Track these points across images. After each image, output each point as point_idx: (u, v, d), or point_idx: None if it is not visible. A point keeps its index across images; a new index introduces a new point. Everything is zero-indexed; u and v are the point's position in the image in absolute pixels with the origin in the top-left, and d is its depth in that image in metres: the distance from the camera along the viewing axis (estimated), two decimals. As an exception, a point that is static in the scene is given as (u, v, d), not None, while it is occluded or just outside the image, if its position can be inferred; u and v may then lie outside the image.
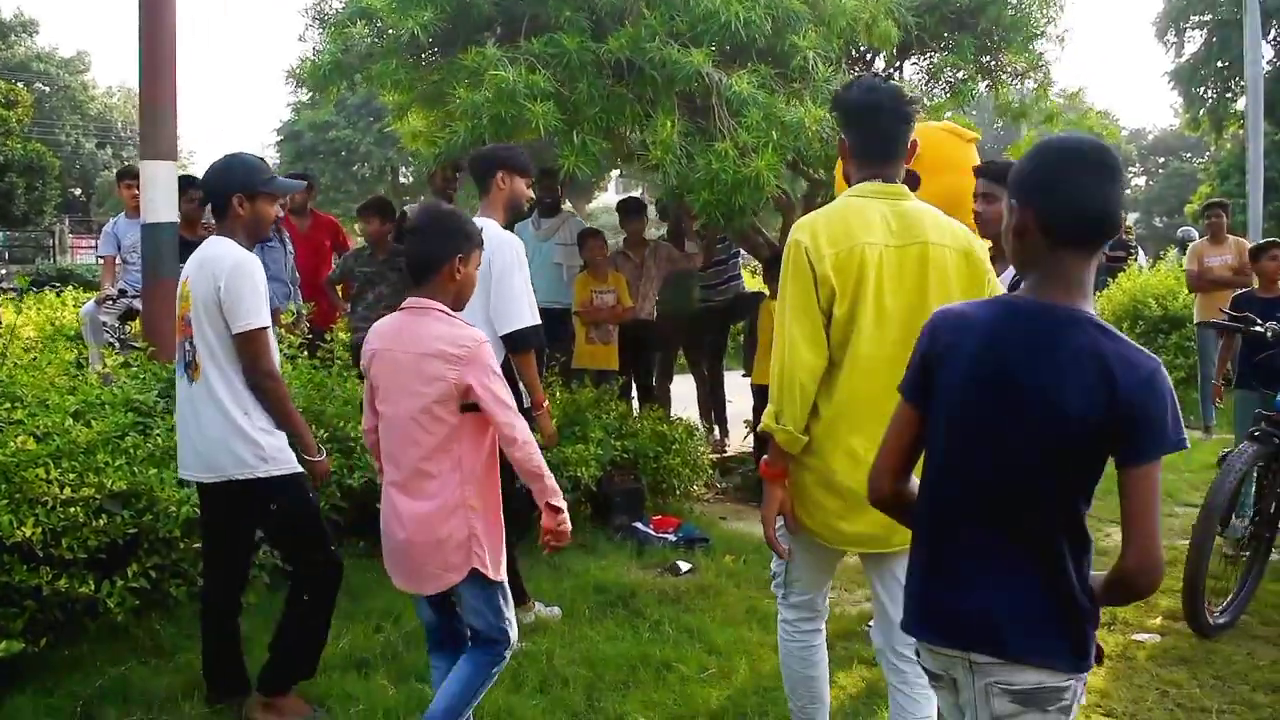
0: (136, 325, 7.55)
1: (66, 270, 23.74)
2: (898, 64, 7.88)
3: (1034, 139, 8.43)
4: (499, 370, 3.29)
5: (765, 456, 3.23)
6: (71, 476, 4.21)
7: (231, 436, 3.75)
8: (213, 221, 3.96)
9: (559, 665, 4.51)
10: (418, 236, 3.38)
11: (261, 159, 4.10)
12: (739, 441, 8.88)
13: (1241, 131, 31.60)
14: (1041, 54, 8.31)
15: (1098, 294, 13.01)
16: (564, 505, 3.32)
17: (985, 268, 3.11)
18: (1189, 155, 55.22)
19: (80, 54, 49.12)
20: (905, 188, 3.14)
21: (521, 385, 4.72)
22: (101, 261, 8.31)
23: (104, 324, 7.50)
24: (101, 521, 4.19)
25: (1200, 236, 10.02)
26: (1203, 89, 33.62)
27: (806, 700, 3.42)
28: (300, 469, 3.88)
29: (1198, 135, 35.27)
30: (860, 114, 3.12)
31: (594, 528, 6.51)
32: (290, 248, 7.84)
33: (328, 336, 6.06)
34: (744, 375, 8.05)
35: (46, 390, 4.89)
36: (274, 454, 3.80)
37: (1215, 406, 8.91)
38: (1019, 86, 8.40)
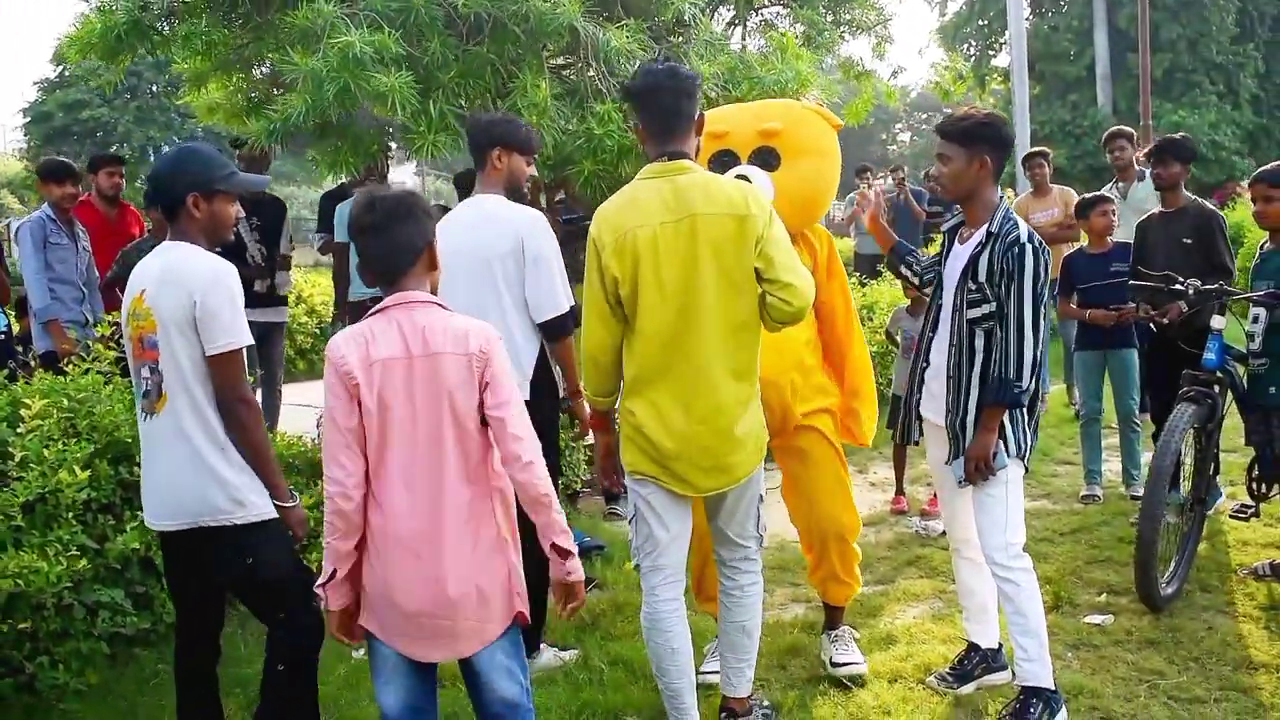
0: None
1: None
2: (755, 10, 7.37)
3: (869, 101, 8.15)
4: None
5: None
6: None
7: (202, 476, 3.16)
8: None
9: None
10: (380, 231, 2.86)
11: (220, 151, 3.46)
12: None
13: (1002, 86, 33.13)
14: (883, 8, 8.05)
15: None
16: (574, 548, 2.85)
17: (758, 229, 3.30)
18: (950, 110, 57.50)
19: None
20: (688, 161, 3.40)
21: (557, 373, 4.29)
22: None
23: None
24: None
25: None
26: (966, 45, 34.92)
27: (676, 675, 3.50)
28: (275, 515, 3.26)
29: (962, 92, 36.70)
30: (643, 96, 3.42)
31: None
32: (85, 244, 6.75)
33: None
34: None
35: None
36: (251, 496, 3.19)
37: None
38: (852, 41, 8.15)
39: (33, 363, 5.90)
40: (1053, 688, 3.77)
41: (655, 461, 3.44)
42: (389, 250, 2.86)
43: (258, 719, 3.42)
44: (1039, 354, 3.72)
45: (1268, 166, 5.10)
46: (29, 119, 34.76)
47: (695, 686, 3.58)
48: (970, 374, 3.78)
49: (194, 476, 3.16)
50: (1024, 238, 3.68)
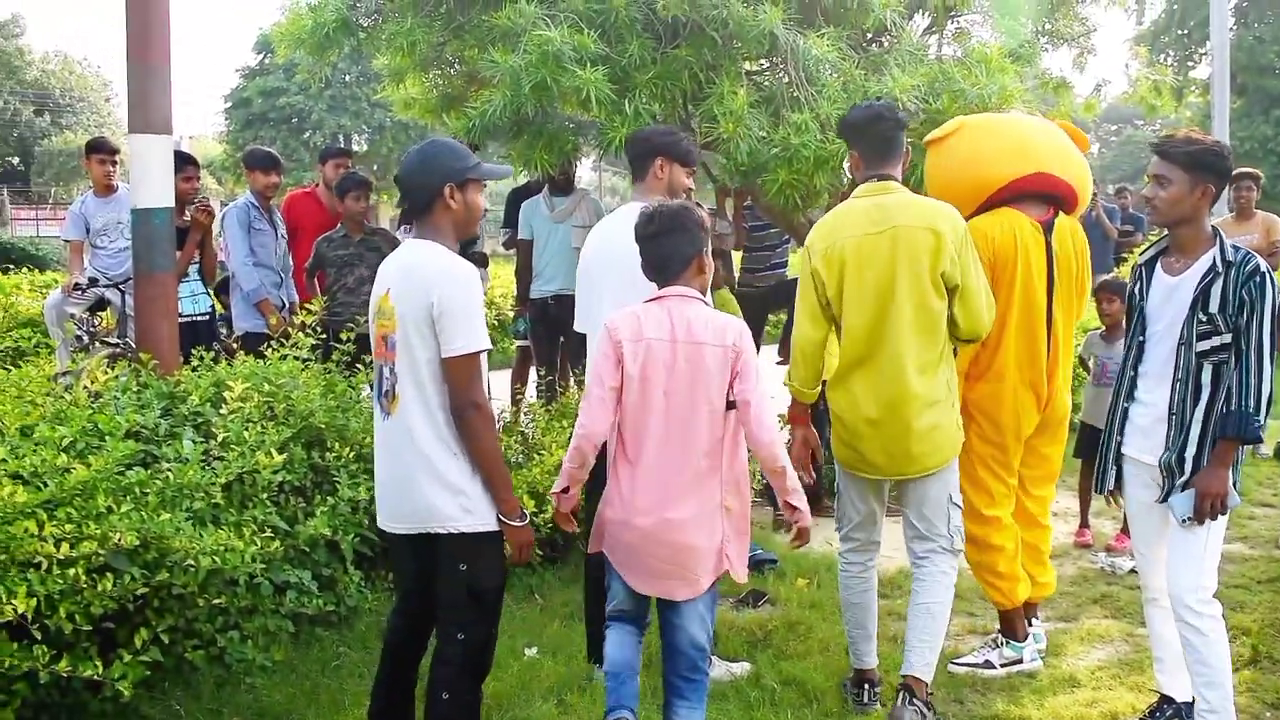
0: (109, 318, 6.77)
1: (8, 244, 22.38)
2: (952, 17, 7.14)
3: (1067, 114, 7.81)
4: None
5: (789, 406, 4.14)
6: (69, 528, 3.41)
7: (431, 482, 3.17)
8: (208, 203, 3.17)
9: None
10: (658, 239, 3.43)
11: (460, 141, 3.51)
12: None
13: (1200, 100, 31.64)
14: (1087, 18, 7.73)
15: (1112, 274, 12.54)
16: (805, 505, 3.34)
17: (949, 240, 3.80)
18: (1142, 123, 55.25)
19: (14, 17, 47.20)
20: (895, 183, 3.95)
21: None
22: (68, 245, 7.48)
23: (71, 316, 6.68)
24: (107, 583, 3.40)
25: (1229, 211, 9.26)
26: (1163, 55, 33.48)
27: (854, 625, 4.14)
28: (497, 528, 3.24)
29: (1159, 104, 35.16)
30: (864, 126, 3.99)
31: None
32: (283, 231, 7.02)
33: (344, 337, 5.25)
34: (779, 362, 7.35)
35: (26, 413, 4.07)
36: (479, 505, 3.20)
37: None
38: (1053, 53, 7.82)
39: (235, 345, 6.15)
40: None
41: (848, 445, 3.98)
42: (666, 255, 3.42)
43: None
44: (1273, 387, 3.55)
45: None
46: (230, 104, 36.49)
47: (872, 638, 4.15)
48: (1195, 409, 3.60)
49: (423, 481, 3.16)
50: (1263, 267, 3.53)
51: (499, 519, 3.21)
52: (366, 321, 5.91)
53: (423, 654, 3.52)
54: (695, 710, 3.36)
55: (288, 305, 6.89)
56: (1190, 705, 3.87)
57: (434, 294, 3.11)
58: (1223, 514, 3.57)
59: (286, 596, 4.15)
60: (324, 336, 5.25)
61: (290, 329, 5.27)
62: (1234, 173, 8.79)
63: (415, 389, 3.18)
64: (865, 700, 4.08)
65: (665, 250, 3.41)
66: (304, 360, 4.93)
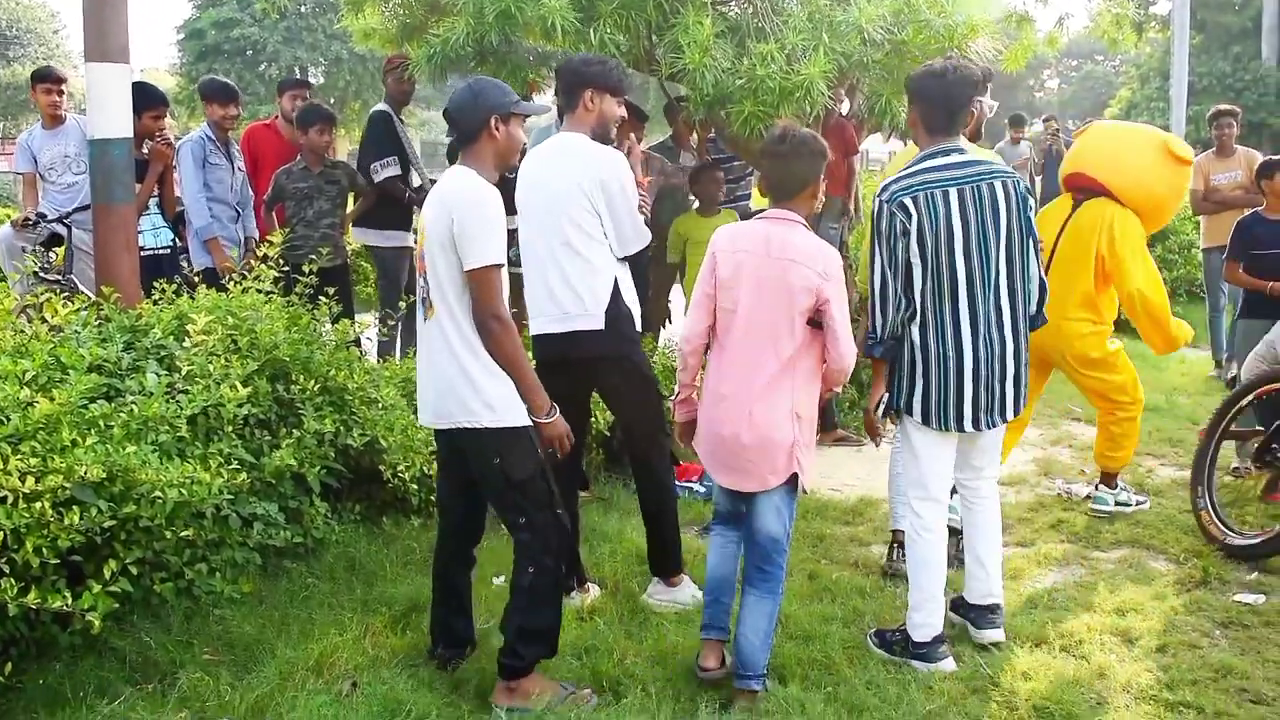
0: (61, 253, 6.65)
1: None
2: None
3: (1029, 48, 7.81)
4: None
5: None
6: (34, 463, 3.39)
7: (459, 381, 3.52)
8: (168, 136, 3.54)
9: (634, 668, 3.83)
10: (786, 158, 3.69)
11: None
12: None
13: (1160, 35, 31.67)
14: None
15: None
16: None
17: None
18: (1102, 58, 55.29)
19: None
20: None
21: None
22: (19, 179, 7.32)
23: (24, 249, 6.56)
24: (74, 516, 3.39)
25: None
26: (1124, -10, 33.45)
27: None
28: (529, 423, 3.57)
29: (1120, 38, 35.11)
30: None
31: (609, 478, 5.82)
32: (240, 164, 6.92)
33: (305, 270, 5.20)
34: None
35: (-14, 348, 4.01)
36: (501, 403, 3.52)
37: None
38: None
39: (196, 279, 6.09)
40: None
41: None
42: (785, 175, 3.70)
43: (507, 618, 3.64)
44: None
45: None
46: (183, 35, 35.67)
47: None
48: None
49: (454, 381, 3.51)
50: None
51: (530, 417, 3.53)
52: (327, 254, 5.92)
53: (471, 565, 3.90)
54: (764, 600, 3.66)
55: (244, 240, 6.81)
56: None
57: (454, 213, 3.43)
58: None
59: (253, 529, 4.14)
60: (286, 269, 5.21)
61: (247, 266, 5.21)
62: (1213, 110, 8.87)
63: (441, 299, 3.53)
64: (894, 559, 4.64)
65: (785, 172, 3.71)
66: (266, 293, 4.89)
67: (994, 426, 3.99)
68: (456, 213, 3.44)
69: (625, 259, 4.31)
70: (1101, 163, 5.39)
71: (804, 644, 4.01)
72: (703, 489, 5.66)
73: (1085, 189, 5.37)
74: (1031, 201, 3.96)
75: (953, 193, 3.81)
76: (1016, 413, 4.01)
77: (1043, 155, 13.57)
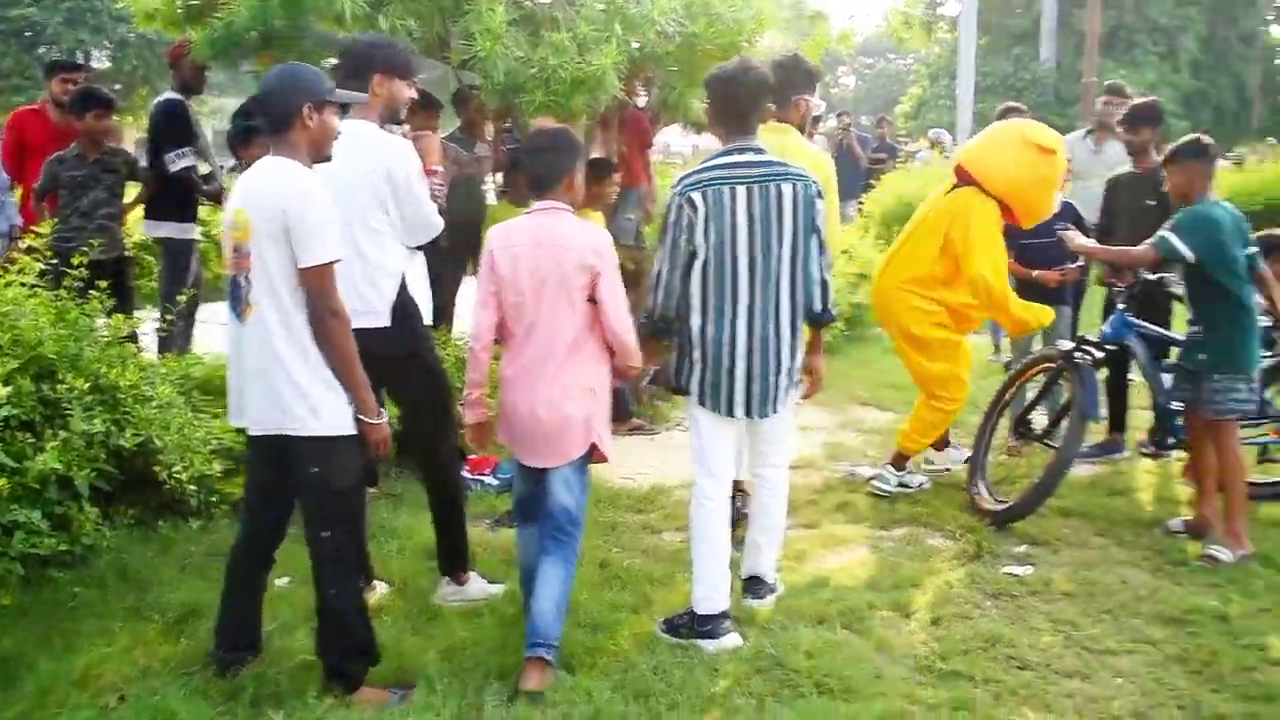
0: None
1: None
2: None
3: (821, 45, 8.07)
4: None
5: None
6: None
7: (284, 386, 3.39)
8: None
9: (422, 665, 3.78)
10: (543, 153, 3.90)
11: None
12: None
13: (949, 35, 33.19)
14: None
15: (863, 197, 13.11)
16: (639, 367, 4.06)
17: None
18: (895, 56, 57.54)
19: None
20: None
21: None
22: None
23: None
24: None
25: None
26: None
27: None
28: (354, 433, 3.48)
29: (908, 37, 36.65)
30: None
31: (399, 474, 5.69)
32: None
33: (76, 262, 4.93)
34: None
35: None
36: (328, 410, 3.43)
37: None
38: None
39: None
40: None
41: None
42: (545, 169, 3.87)
43: (326, 644, 3.57)
44: None
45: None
46: (-51, 14, 33.33)
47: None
48: None
49: (279, 386, 3.38)
50: None
51: (357, 418, 3.46)
52: (100, 246, 5.63)
53: (270, 567, 3.80)
54: (558, 567, 3.82)
55: (8, 229, 6.42)
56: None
57: (287, 207, 3.30)
58: None
59: (14, 538, 3.92)
60: (54, 262, 4.93)
61: (9, 259, 4.91)
62: (1002, 107, 9.05)
63: (270, 297, 3.37)
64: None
65: (544, 166, 3.87)
66: (31, 287, 4.62)
67: (766, 417, 4.13)
68: (291, 206, 3.31)
69: (419, 249, 4.25)
70: (972, 155, 5.73)
71: (592, 632, 4.04)
72: (495, 482, 5.64)
73: (962, 179, 5.63)
74: (821, 204, 4.09)
75: (740, 190, 3.95)
76: (783, 404, 4.17)
77: (835, 150, 14.05)
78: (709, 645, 3.95)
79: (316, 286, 3.36)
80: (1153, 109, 6.52)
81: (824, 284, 4.14)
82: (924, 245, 5.62)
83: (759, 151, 4.05)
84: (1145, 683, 3.79)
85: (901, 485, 5.81)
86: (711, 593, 4.02)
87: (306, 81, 3.46)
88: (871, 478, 5.92)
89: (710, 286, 3.99)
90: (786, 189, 3.98)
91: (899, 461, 5.87)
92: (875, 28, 56.12)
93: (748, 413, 4.09)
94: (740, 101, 4.04)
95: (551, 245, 3.78)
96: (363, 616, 3.63)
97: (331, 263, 3.37)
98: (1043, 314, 5.64)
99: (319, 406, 3.39)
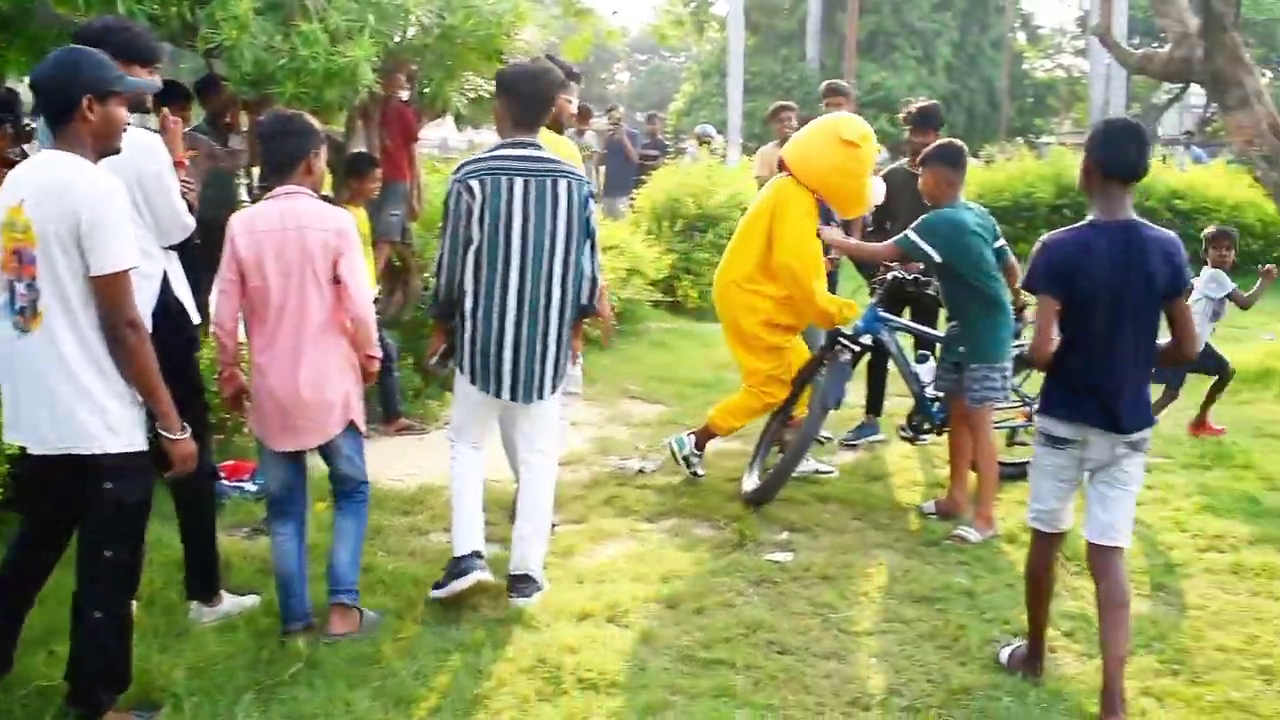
0: None
1: None
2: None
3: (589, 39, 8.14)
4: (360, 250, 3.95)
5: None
6: None
7: (78, 402, 3.15)
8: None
9: (169, 684, 3.57)
10: (277, 139, 3.95)
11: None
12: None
13: (719, 35, 33.98)
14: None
15: (634, 193, 13.24)
16: (379, 353, 4.15)
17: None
18: (669, 54, 58.50)
19: None
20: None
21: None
22: None
23: None
24: None
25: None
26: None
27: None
28: (145, 448, 3.29)
29: (671, 35, 37.28)
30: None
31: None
32: None
33: None
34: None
35: None
36: (125, 426, 3.22)
37: None
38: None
39: None
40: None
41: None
42: (280, 155, 3.93)
43: (83, 662, 3.34)
44: None
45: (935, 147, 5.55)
46: None
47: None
48: None
49: (71, 402, 3.14)
50: None
51: (160, 433, 3.26)
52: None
53: (35, 593, 3.54)
54: (350, 520, 4.10)
55: None
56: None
57: (82, 211, 3.05)
58: None
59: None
60: None
61: None
62: (774, 106, 9.36)
63: (61, 306, 3.12)
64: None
65: (280, 152, 3.92)
66: None
67: (530, 401, 4.28)
68: (85, 208, 3.05)
69: (174, 249, 4.01)
70: (790, 147, 5.89)
71: (353, 640, 3.93)
72: (254, 487, 5.42)
73: (785, 172, 5.75)
74: (593, 205, 4.29)
75: (518, 181, 4.11)
76: (553, 390, 4.32)
77: (605, 145, 14.15)
78: (455, 586, 4.17)
79: (111, 296, 3.12)
80: (935, 111, 6.84)
81: (593, 280, 4.31)
82: (751, 240, 5.73)
83: (538, 148, 4.20)
84: (898, 660, 3.95)
85: (685, 460, 5.93)
86: (460, 537, 4.26)
87: (88, 71, 3.18)
88: (640, 470, 6.02)
89: (484, 272, 4.13)
90: (562, 186, 4.16)
91: (701, 439, 5.96)
92: (649, 24, 57.15)
93: (513, 396, 4.24)
94: (535, 100, 4.22)
95: (296, 227, 3.81)
96: (126, 643, 3.40)
97: (127, 270, 3.13)
98: (848, 308, 5.74)
99: (117, 423, 3.19)
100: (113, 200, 3.13)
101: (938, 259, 5.21)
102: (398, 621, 4.11)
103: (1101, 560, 3.62)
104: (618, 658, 3.85)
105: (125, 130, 3.33)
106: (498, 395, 4.24)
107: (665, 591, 4.46)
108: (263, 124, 3.95)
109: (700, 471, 5.99)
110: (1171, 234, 3.60)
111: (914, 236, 5.23)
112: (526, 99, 4.20)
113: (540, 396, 4.28)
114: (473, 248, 4.12)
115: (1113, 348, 3.54)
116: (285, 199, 3.88)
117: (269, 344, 3.87)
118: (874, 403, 6.97)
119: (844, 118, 5.97)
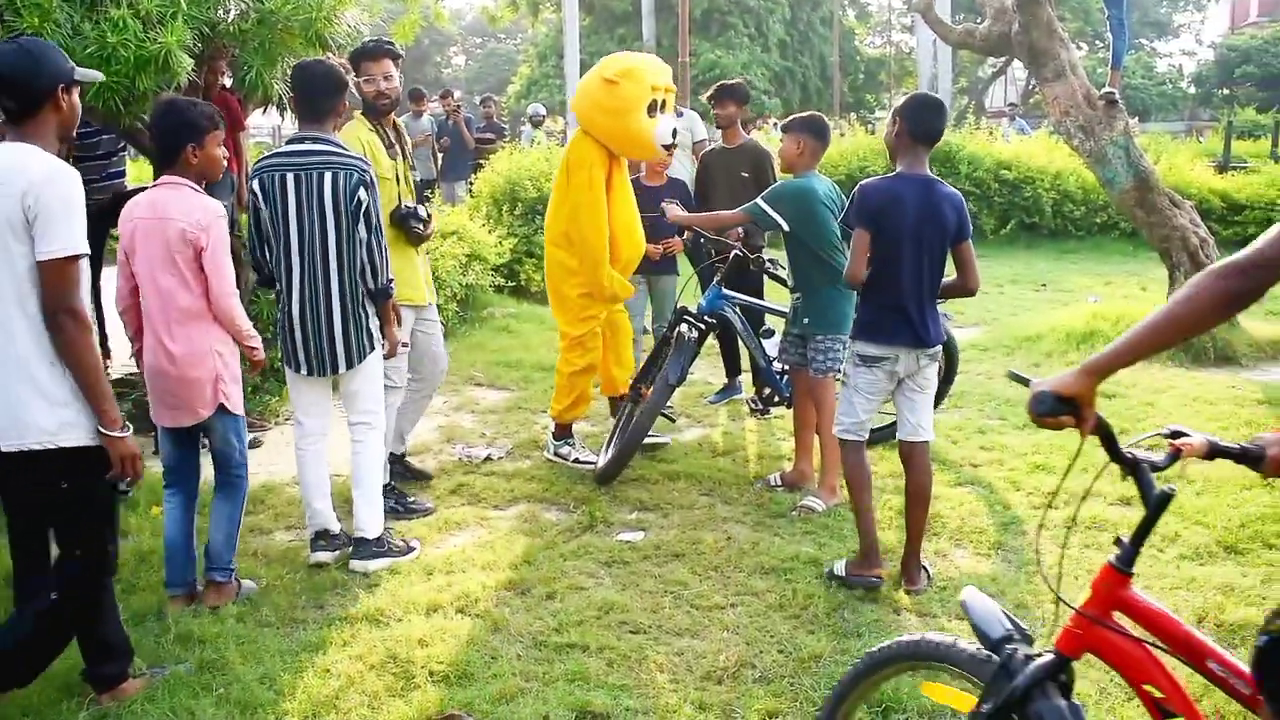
0: None
1: None
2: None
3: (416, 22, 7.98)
4: (228, 243, 4.05)
5: None
6: None
7: (30, 396, 3.07)
8: None
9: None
10: (158, 129, 4.05)
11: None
12: (125, 358, 7.56)
13: (555, 15, 33.84)
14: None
15: (472, 178, 13.10)
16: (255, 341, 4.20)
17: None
18: (505, 37, 58.06)
19: None
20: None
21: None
22: None
23: None
24: None
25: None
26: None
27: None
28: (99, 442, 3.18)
29: (512, 18, 37.03)
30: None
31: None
32: None
33: None
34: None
35: None
36: (78, 419, 3.13)
37: None
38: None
39: None
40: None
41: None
42: (161, 145, 4.04)
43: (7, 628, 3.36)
44: None
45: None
46: None
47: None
48: None
49: (23, 396, 3.07)
50: None
51: (99, 431, 3.14)
52: None
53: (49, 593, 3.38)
54: (227, 503, 4.27)
55: None
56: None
57: (30, 195, 2.99)
58: None
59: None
60: None
61: None
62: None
63: (13, 296, 3.06)
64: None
65: (159, 142, 4.06)
66: None
67: (325, 375, 4.63)
68: (33, 194, 2.99)
69: None
70: (574, 99, 5.96)
71: (195, 647, 3.82)
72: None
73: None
74: (363, 192, 4.43)
75: (290, 176, 4.41)
76: (349, 366, 4.60)
77: (442, 131, 13.94)
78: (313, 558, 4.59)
79: (55, 283, 3.04)
80: (736, 87, 6.98)
81: (373, 265, 4.51)
82: (558, 199, 5.74)
83: (317, 141, 4.45)
84: (750, 632, 4.00)
85: (559, 456, 5.96)
86: (312, 513, 4.64)
87: (56, 60, 3.15)
88: (487, 458, 5.99)
89: (275, 262, 4.51)
90: (328, 177, 4.40)
91: (560, 431, 6.00)
92: (482, 8, 56.46)
93: (309, 370, 4.58)
94: (315, 96, 4.47)
95: (162, 217, 3.95)
96: (114, 622, 3.48)
97: (75, 256, 3.04)
98: (623, 288, 5.80)
99: (74, 418, 3.12)
100: (65, 186, 3.04)
101: (785, 227, 5.27)
102: (239, 625, 3.99)
103: (911, 454, 4.44)
104: (469, 648, 3.82)
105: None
106: (298, 370, 4.61)
107: (516, 578, 4.44)
108: (152, 113, 4.10)
109: (584, 457, 5.94)
110: (958, 191, 4.38)
111: (763, 204, 5.29)
112: (304, 95, 4.49)
113: (337, 369, 4.59)
114: (268, 241, 4.49)
115: (914, 277, 4.26)
116: (163, 189, 4.03)
117: (146, 324, 4.06)
118: (731, 367, 7.33)
119: (611, 57, 5.91)
